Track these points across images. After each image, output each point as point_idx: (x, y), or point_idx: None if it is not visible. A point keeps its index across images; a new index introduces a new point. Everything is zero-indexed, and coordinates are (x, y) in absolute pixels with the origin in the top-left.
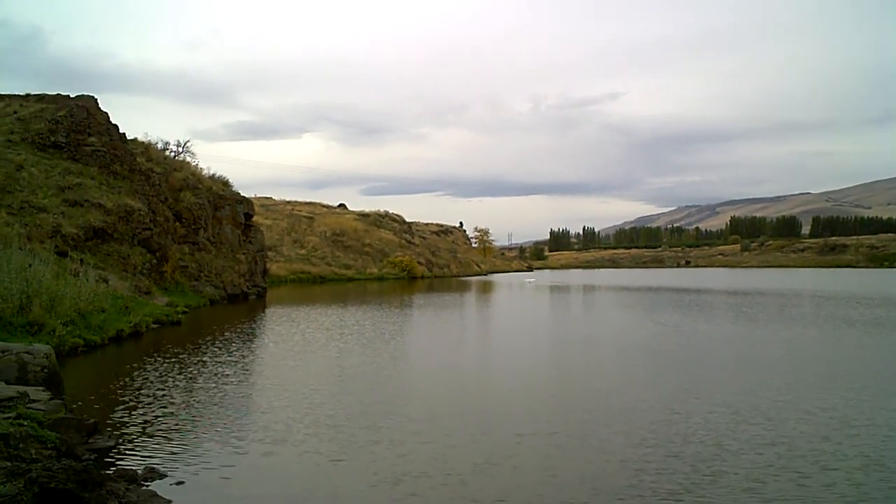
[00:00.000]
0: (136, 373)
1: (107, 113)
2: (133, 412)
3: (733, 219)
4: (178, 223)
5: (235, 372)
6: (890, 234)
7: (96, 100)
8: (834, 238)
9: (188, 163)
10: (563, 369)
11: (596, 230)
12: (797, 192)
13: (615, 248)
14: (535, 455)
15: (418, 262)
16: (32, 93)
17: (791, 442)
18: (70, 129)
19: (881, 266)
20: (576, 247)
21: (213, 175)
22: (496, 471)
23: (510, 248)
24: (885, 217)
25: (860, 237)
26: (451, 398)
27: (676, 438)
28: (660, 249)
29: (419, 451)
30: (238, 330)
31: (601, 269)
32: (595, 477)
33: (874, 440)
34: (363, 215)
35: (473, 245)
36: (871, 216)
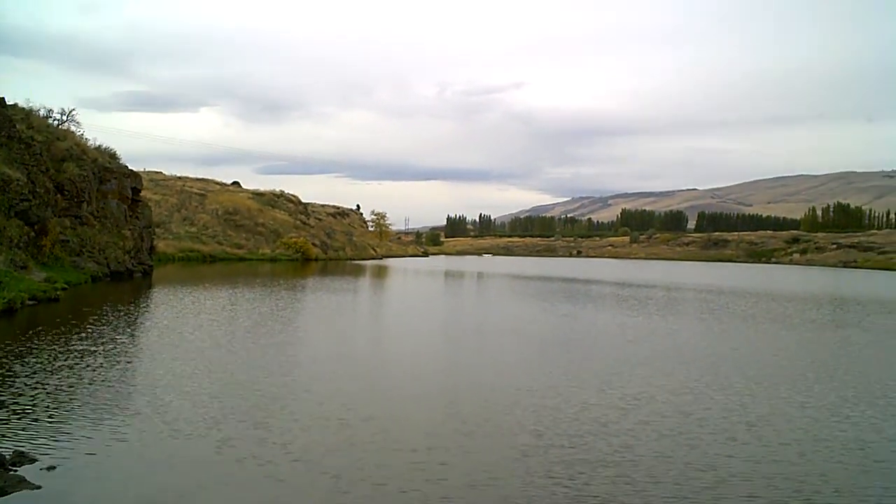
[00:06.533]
0: (7, 352)
1: None
2: (2, 393)
3: (624, 211)
4: (59, 195)
5: (114, 353)
6: (768, 232)
7: None
8: (717, 233)
9: (73, 132)
10: (457, 362)
11: (492, 217)
12: (685, 188)
13: (510, 235)
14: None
15: (313, 244)
16: None
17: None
18: None
19: (759, 261)
20: (472, 233)
21: (100, 146)
22: (380, 479)
23: (407, 233)
24: (764, 215)
25: (741, 233)
26: (337, 391)
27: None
28: (553, 239)
29: (300, 442)
30: (120, 309)
31: (496, 257)
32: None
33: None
34: (258, 194)
35: (370, 228)
36: (752, 213)
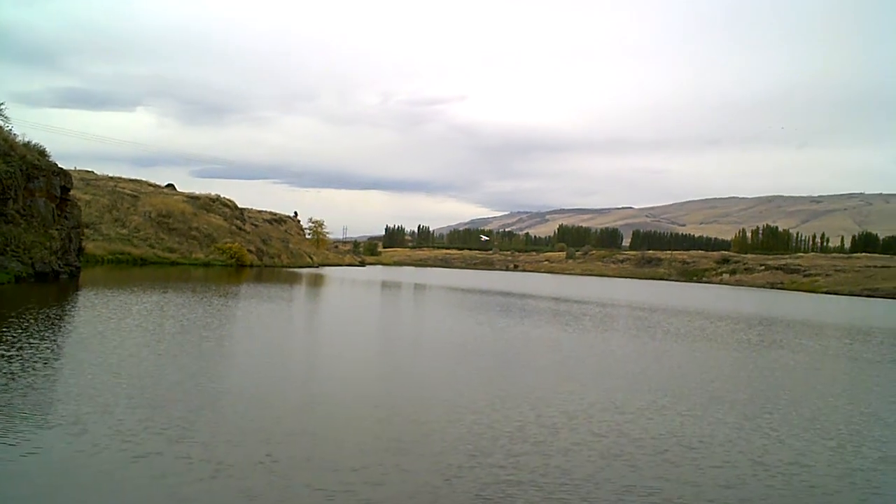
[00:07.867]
0: None
1: None
2: None
3: (561, 227)
4: None
5: (31, 360)
6: (700, 252)
7: None
8: (651, 252)
9: (0, 127)
10: (392, 377)
11: (431, 229)
12: (621, 206)
13: (448, 248)
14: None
15: (248, 251)
16: None
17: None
18: None
19: (691, 280)
20: (410, 244)
21: (29, 143)
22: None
23: (345, 242)
24: (696, 235)
25: (674, 252)
26: (264, 403)
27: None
28: (490, 252)
29: (221, 458)
30: (43, 312)
31: (434, 269)
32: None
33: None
34: (192, 198)
35: (307, 236)
36: (684, 233)
